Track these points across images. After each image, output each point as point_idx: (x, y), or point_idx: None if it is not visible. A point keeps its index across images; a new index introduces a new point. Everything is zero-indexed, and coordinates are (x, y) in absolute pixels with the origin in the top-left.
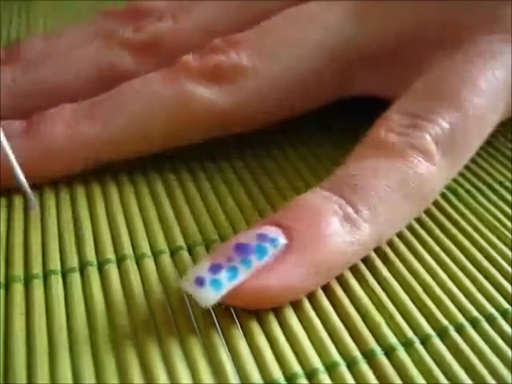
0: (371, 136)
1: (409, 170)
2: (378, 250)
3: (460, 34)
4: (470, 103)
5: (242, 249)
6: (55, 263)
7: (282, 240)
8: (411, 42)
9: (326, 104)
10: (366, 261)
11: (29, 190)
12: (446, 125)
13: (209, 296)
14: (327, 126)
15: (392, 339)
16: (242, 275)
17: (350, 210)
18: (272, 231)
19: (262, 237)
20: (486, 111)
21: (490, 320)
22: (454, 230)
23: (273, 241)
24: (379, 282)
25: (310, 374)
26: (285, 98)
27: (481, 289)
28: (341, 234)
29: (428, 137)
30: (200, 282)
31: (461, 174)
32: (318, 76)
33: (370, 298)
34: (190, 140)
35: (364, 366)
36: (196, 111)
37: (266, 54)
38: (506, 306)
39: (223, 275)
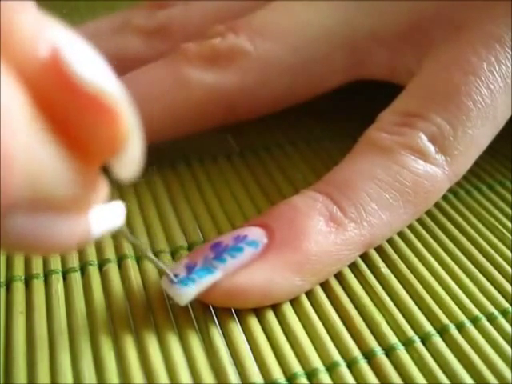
0: (364, 137)
1: (400, 168)
2: (379, 250)
3: (468, 17)
4: (472, 96)
5: (217, 248)
6: (56, 263)
7: (263, 239)
8: (422, 25)
9: (335, 88)
10: (367, 260)
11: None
12: (442, 121)
13: (182, 293)
14: (327, 123)
15: (392, 339)
16: (216, 273)
17: (336, 210)
18: (253, 231)
19: (240, 237)
20: (493, 103)
21: (491, 319)
22: (455, 231)
23: (251, 240)
24: (379, 281)
25: (310, 374)
26: (291, 81)
27: (481, 288)
28: (324, 234)
29: (422, 135)
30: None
31: None
32: (325, 60)
33: (371, 298)
34: (198, 127)
35: (364, 366)
36: (196, 95)
37: (268, 36)
38: (506, 305)
39: (197, 273)
